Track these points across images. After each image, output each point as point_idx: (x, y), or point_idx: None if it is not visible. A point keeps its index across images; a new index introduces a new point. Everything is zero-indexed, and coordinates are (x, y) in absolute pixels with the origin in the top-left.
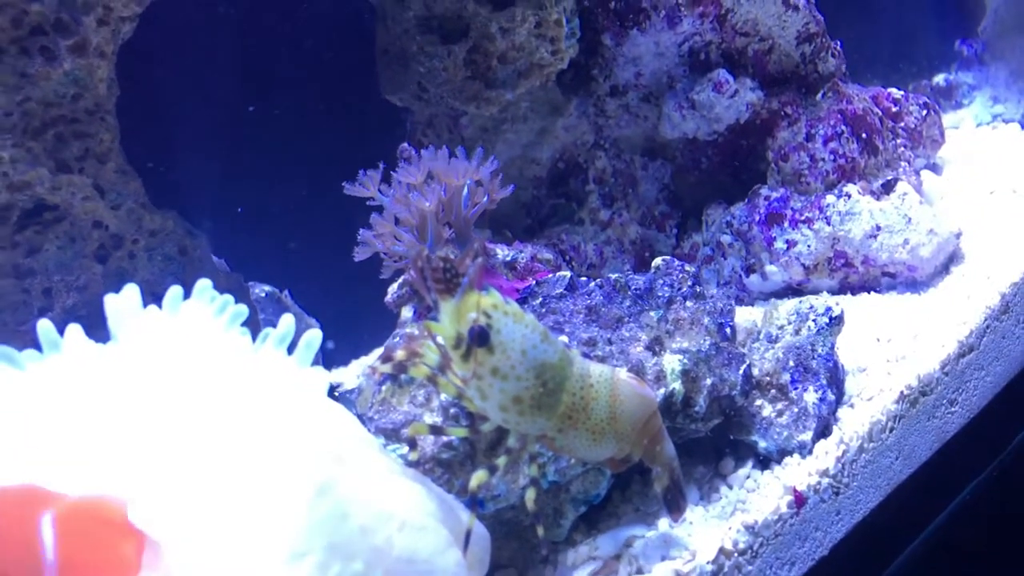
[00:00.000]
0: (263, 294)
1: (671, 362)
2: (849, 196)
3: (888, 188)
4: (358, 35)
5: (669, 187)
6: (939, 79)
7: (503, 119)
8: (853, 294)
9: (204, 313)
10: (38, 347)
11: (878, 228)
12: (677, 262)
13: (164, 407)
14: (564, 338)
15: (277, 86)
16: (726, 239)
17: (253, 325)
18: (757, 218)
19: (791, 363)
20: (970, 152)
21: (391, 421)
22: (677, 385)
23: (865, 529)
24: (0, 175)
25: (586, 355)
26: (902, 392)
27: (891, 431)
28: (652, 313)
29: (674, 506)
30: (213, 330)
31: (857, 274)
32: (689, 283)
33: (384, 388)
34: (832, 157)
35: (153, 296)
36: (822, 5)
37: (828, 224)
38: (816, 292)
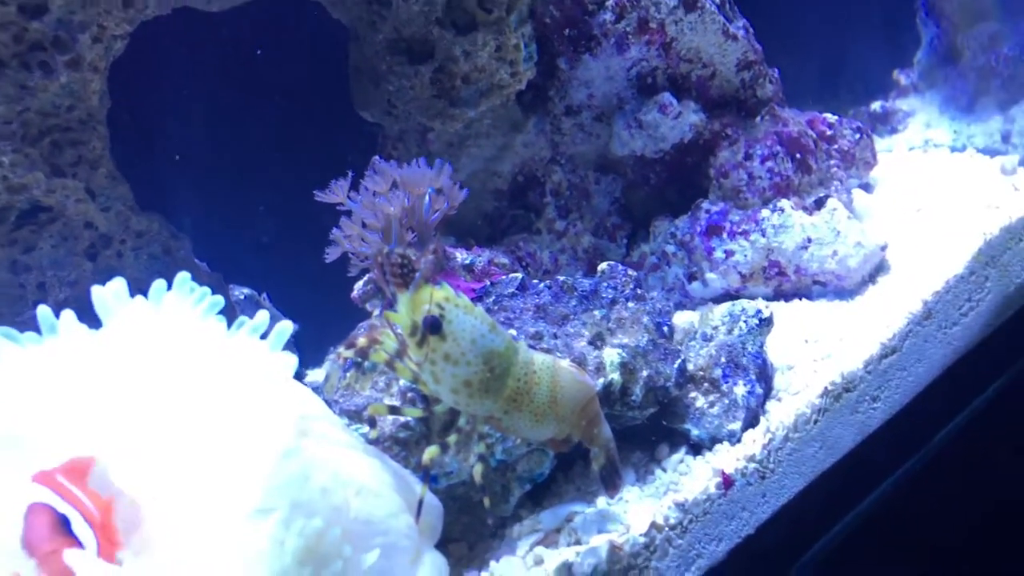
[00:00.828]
0: (242, 296)
1: (611, 355)
2: (783, 211)
3: (820, 204)
4: (332, 54)
5: (620, 200)
6: (876, 106)
7: (467, 135)
8: (786, 300)
9: (184, 302)
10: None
11: (809, 240)
12: (621, 267)
13: (147, 383)
14: (513, 331)
15: (256, 101)
16: (670, 249)
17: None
18: (698, 229)
19: (723, 359)
20: (901, 174)
21: (354, 404)
22: (616, 376)
23: (791, 512)
24: (0, 178)
25: (533, 347)
26: (826, 388)
27: (815, 423)
28: (596, 312)
29: (610, 483)
30: (191, 317)
31: (790, 282)
32: (631, 286)
33: (348, 375)
34: (768, 175)
35: (139, 292)
36: (768, 35)
37: (763, 236)
38: (752, 298)
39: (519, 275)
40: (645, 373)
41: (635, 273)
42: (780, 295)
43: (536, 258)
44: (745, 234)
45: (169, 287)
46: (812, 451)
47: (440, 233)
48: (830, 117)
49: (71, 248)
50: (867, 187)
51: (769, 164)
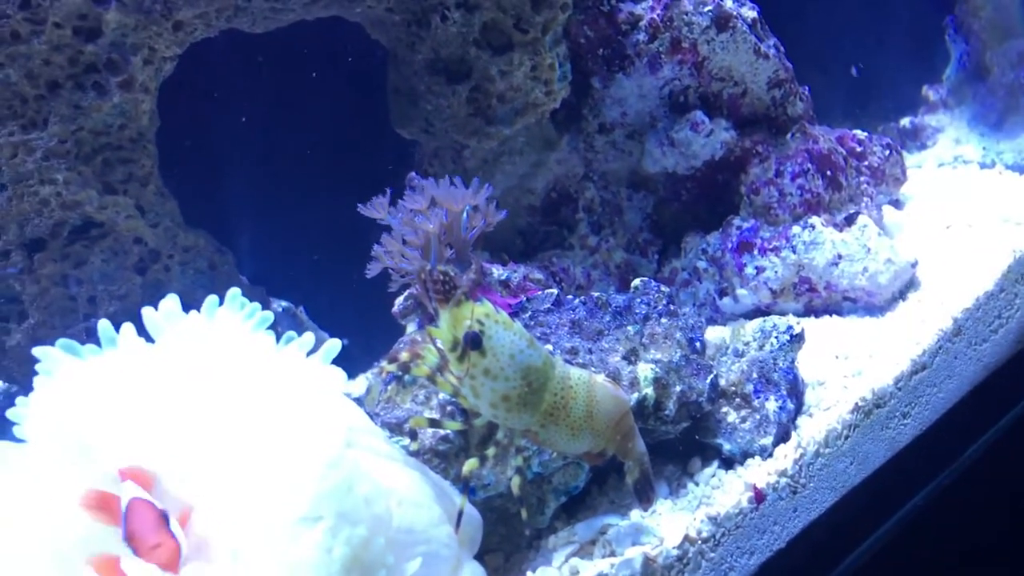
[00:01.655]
0: (280, 309)
1: (644, 370)
2: (813, 227)
3: (850, 221)
4: (371, 74)
5: (652, 216)
6: (905, 122)
7: (502, 152)
8: (816, 316)
9: (235, 317)
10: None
11: (839, 257)
12: (654, 283)
13: (200, 395)
14: (549, 346)
15: (297, 118)
16: (701, 265)
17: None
18: (729, 246)
19: (755, 375)
20: (930, 190)
21: (395, 416)
22: (649, 391)
23: (821, 526)
24: (55, 195)
25: (568, 362)
26: (856, 404)
27: (846, 439)
28: (630, 327)
29: (643, 496)
30: (242, 332)
31: (820, 298)
32: (664, 302)
33: (390, 388)
34: (799, 192)
35: (185, 306)
36: (798, 53)
37: (794, 252)
38: (782, 314)
39: (554, 291)
40: (678, 388)
41: (668, 289)
42: (810, 311)
43: (569, 273)
44: (776, 250)
45: (221, 302)
46: (843, 466)
47: (477, 248)
48: (860, 134)
49: (121, 263)
50: (897, 203)
51: (800, 181)
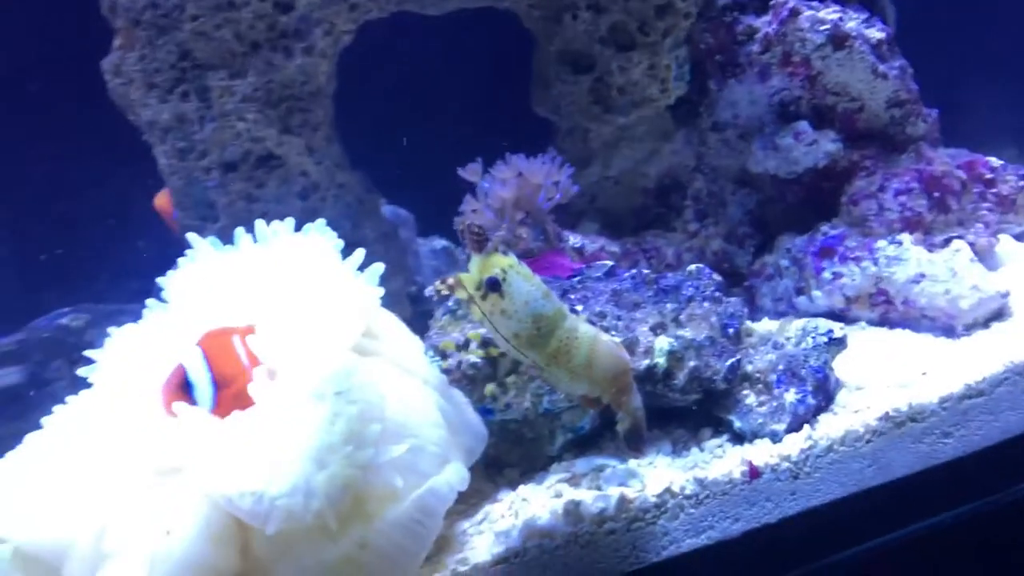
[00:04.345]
0: (439, 247)
1: (662, 342)
2: (900, 243)
3: (946, 243)
4: (523, 58)
5: (753, 212)
6: None
7: (622, 137)
8: (890, 328)
9: (319, 240)
10: None
11: (922, 276)
12: (708, 270)
13: (276, 287)
14: (579, 307)
15: (456, 92)
16: (784, 263)
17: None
18: (812, 249)
19: (781, 367)
20: None
21: (440, 340)
22: (661, 360)
23: (823, 515)
24: (246, 130)
25: (593, 322)
26: (887, 412)
27: (867, 442)
28: (669, 305)
29: (632, 445)
30: (320, 250)
31: (897, 312)
32: (712, 288)
33: (445, 318)
34: (899, 208)
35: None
36: (951, 78)
37: (875, 264)
38: (856, 321)
39: (609, 263)
40: (692, 363)
41: (720, 278)
42: (886, 322)
43: (661, 253)
44: (857, 260)
45: (358, 233)
46: (859, 466)
47: (589, 221)
48: (994, 161)
49: (288, 189)
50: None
51: (902, 199)
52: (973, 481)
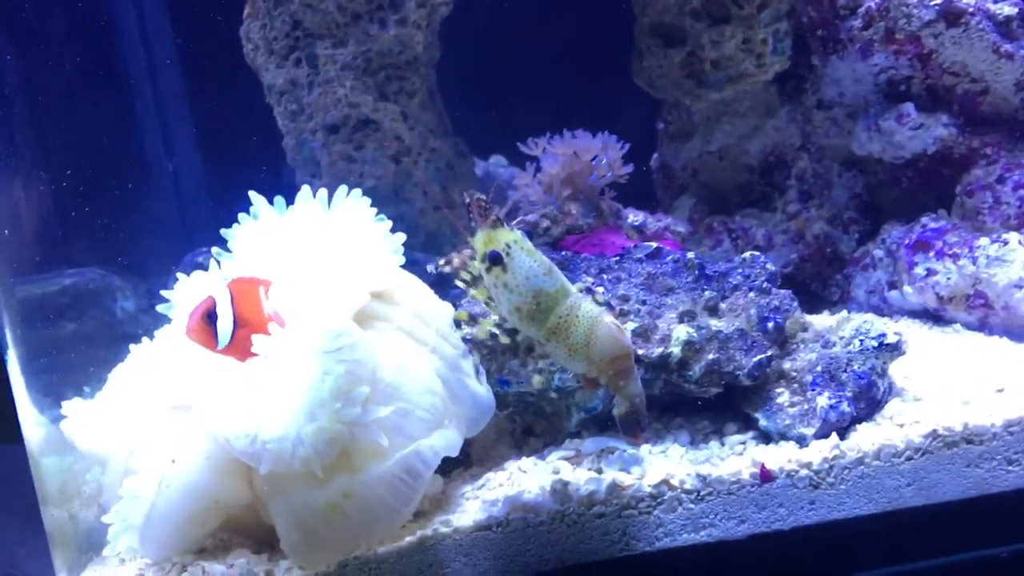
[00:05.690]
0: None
1: (680, 332)
2: (1006, 243)
3: None
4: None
5: (861, 196)
6: None
7: (724, 112)
8: (989, 334)
9: (360, 208)
10: None
11: None
12: (761, 259)
13: (318, 247)
14: (601, 288)
15: (561, 62)
16: (879, 254)
17: None
18: (907, 241)
19: (819, 368)
20: None
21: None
22: (676, 350)
23: (851, 529)
24: (345, 96)
25: (613, 305)
26: (935, 430)
27: (908, 459)
28: (707, 292)
29: (629, 431)
30: (359, 220)
31: (998, 317)
32: (762, 279)
33: (480, 287)
34: (1018, 203)
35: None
36: None
37: (973, 264)
38: (952, 322)
39: (654, 244)
40: (711, 356)
41: (773, 268)
42: (984, 327)
43: (748, 234)
44: (954, 257)
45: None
46: (894, 484)
47: (688, 195)
48: None
49: (384, 152)
50: None
51: (1022, 192)
52: None
